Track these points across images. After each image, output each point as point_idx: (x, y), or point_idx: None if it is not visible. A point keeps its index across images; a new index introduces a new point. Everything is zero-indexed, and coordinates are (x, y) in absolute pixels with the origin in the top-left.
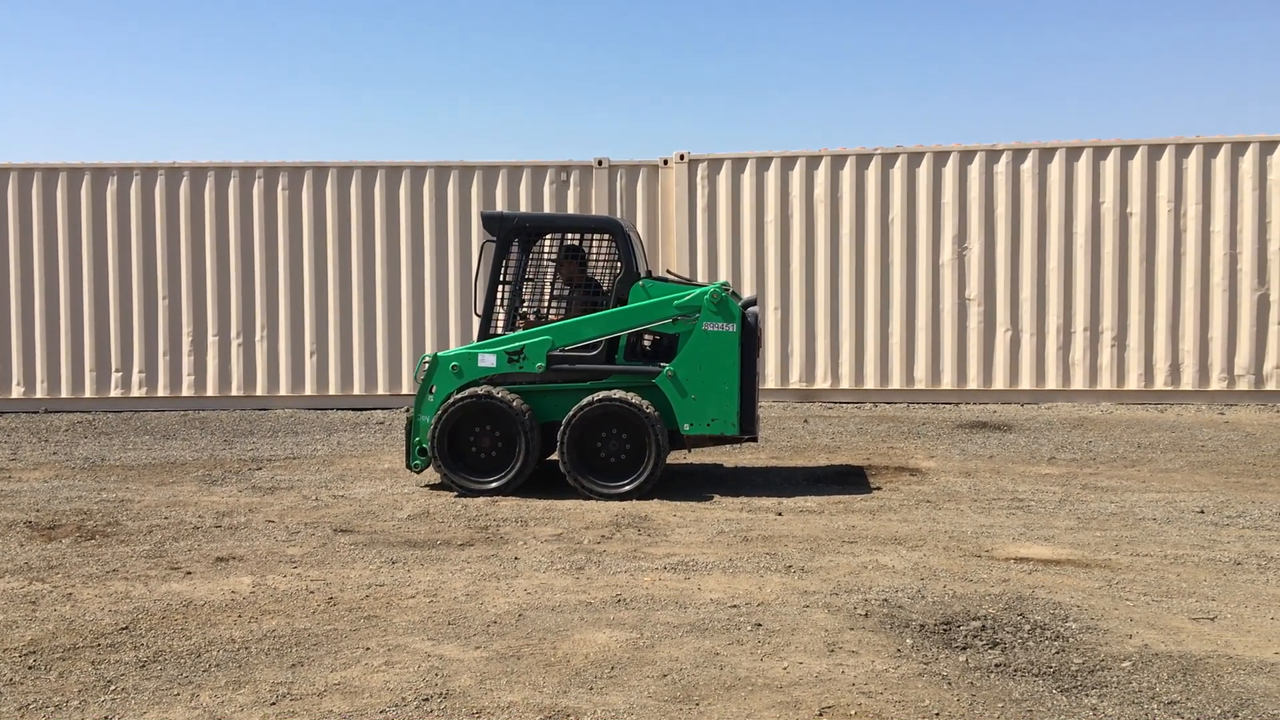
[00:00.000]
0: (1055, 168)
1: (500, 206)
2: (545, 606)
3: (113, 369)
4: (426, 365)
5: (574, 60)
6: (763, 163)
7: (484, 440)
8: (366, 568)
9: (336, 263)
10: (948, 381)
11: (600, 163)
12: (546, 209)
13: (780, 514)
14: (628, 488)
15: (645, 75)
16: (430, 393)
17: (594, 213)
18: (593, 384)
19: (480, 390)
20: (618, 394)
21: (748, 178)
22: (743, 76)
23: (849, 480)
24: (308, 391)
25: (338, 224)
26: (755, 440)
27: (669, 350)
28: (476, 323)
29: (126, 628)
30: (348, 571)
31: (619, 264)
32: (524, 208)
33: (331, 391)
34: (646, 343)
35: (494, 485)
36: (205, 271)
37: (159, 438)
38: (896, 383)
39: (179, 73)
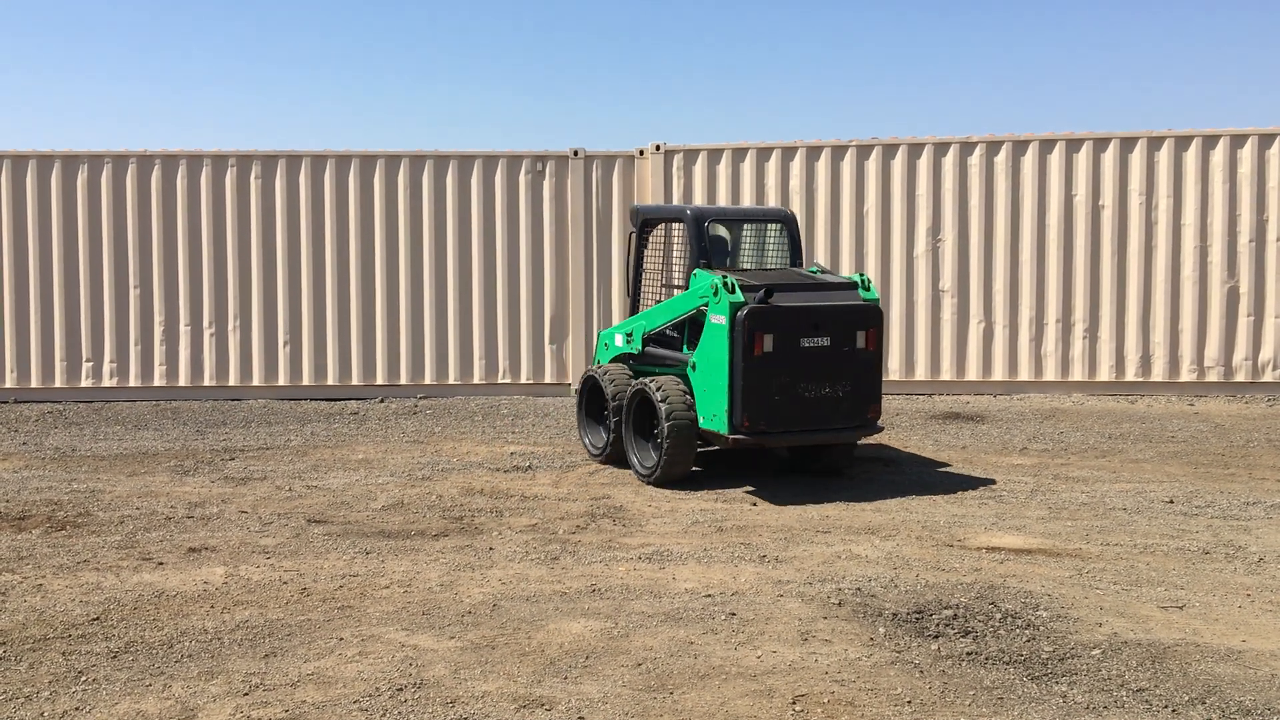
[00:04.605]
0: (1029, 160)
1: (475, 195)
2: (520, 596)
3: (83, 358)
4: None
5: (551, 49)
6: (738, 154)
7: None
8: (340, 558)
9: (310, 252)
10: (921, 372)
11: (576, 153)
12: (521, 199)
13: (754, 504)
14: (646, 466)
15: (622, 65)
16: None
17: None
18: (670, 368)
19: (596, 370)
20: (645, 380)
21: (723, 169)
22: (720, 67)
23: (822, 471)
24: (281, 381)
25: (312, 212)
26: (749, 442)
27: None
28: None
29: (98, 618)
30: (321, 562)
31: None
32: (499, 198)
33: (305, 381)
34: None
35: (595, 451)
36: (177, 260)
37: (130, 428)
38: None
39: (155, 59)
